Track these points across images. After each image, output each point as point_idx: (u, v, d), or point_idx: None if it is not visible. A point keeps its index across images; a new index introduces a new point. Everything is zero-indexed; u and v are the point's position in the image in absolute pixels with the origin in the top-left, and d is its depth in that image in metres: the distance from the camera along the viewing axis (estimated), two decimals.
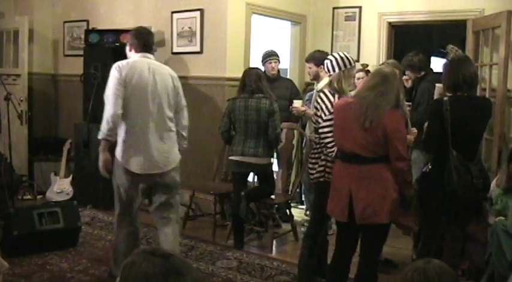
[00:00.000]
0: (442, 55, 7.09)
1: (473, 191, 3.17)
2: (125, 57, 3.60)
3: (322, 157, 3.43)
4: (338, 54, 3.52)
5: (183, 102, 3.65)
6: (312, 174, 3.52)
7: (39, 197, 5.93)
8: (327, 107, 3.37)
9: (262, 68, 5.10)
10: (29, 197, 5.91)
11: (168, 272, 1.34)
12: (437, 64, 7.78)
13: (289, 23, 6.23)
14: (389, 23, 5.78)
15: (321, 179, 3.42)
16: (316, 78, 4.45)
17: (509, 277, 3.18)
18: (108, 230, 4.83)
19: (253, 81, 4.41)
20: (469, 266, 3.81)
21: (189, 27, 5.56)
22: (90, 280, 3.78)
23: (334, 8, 6.06)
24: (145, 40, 3.57)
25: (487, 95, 4.64)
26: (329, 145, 3.32)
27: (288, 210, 4.97)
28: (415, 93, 4.50)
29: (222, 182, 5.18)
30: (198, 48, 5.51)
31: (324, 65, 3.62)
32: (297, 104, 4.32)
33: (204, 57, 5.50)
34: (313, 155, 3.55)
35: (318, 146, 3.51)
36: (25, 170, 6.24)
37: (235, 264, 4.14)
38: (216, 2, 5.38)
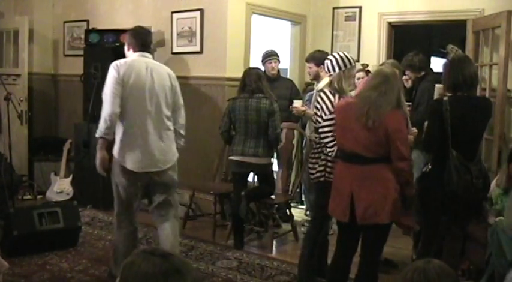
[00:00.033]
0: (442, 55, 7.10)
1: (473, 190, 3.17)
2: (124, 57, 3.60)
3: (322, 157, 3.43)
4: (338, 54, 3.53)
5: (181, 101, 3.66)
6: (312, 174, 3.52)
7: (39, 197, 5.93)
8: (327, 106, 3.38)
9: (262, 68, 5.10)
10: (29, 197, 5.91)
11: (168, 271, 1.34)
12: (437, 64, 7.79)
13: (289, 23, 6.23)
14: (389, 23, 5.78)
15: (321, 179, 3.43)
16: (316, 78, 4.45)
17: (507, 275, 3.17)
18: (108, 230, 4.83)
19: (254, 81, 4.41)
20: (469, 266, 3.81)
21: (189, 27, 5.56)
22: (90, 280, 3.78)
23: (334, 8, 6.06)
24: (143, 39, 3.58)
25: (487, 95, 4.64)
26: (329, 145, 3.32)
27: (288, 210, 4.97)
28: (415, 93, 4.50)
29: (222, 182, 5.18)
30: (198, 48, 5.51)
31: (324, 65, 3.62)
32: (297, 104, 4.32)
33: (204, 57, 5.50)
34: (313, 155, 3.56)
35: (318, 145, 3.51)
36: (25, 170, 6.25)
37: (235, 264, 4.14)
38: (216, 2, 5.38)
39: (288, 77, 6.05)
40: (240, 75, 4.66)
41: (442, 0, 5.36)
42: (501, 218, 3.56)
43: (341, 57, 3.47)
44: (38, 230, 4.17)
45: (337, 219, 3.26)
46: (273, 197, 4.63)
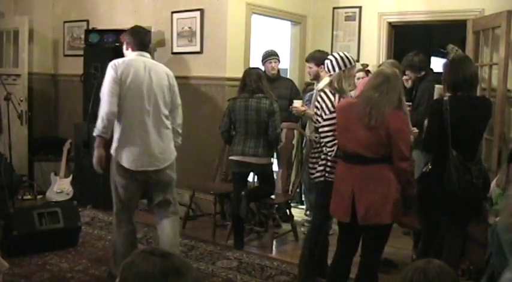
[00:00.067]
0: (442, 55, 7.10)
1: (473, 190, 3.17)
2: (124, 56, 3.61)
3: (322, 156, 3.43)
4: (338, 54, 3.53)
5: (178, 100, 3.68)
6: (313, 174, 3.52)
7: (39, 197, 5.93)
8: (327, 106, 3.38)
9: (262, 68, 5.10)
10: (29, 197, 5.91)
11: (168, 271, 1.34)
12: (437, 64, 7.79)
13: (289, 23, 6.23)
14: (389, 23, 5.78)
15: (321, 179, 3.43)
16: (317, 78, 4.46)
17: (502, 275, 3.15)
18: (108, 230, 4.83)
19: (254, 81, 4.41)
20: (469, 266, 3.81)
21: (189, 27, 5.56)
22: (90, 280, 3.78)
23: (334, 8, 6.05)
24: (141, 39, 3.61)
25: (487, 95, 4.64)
26: (328, 144, 3.33)
27: (288, 210, 4.97)
28: (415, 93, 4.50)
29: (222, 182, 5.18)
30: (198, 48, 5.51)
31: (324, 65, 3.62)
32: (297, 103, 4.32)
33: (204, 57, 5.50)
34: (313, 155, 3.56)
35: (318, 145, 3.51)
36: (25, 170, 6.24)
37: (235, 264, 4.13)
38: (216, 2, 5.38)
39: (288, 77, 6.05)
40: (240, 75, 4.66)
41: (442, 0, 5.36)
42: None
43: (341, 57, 3.47)
44: (38, 230, 4.17)
45: (338, 220, 3.26)
46: (273, 197, 4.63)
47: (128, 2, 6.16)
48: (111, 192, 3.61)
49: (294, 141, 5.13)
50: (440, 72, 3.57)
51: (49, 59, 6.95)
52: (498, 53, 4.64)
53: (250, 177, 4.74)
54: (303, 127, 5.03)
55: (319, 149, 3.48)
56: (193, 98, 5.43)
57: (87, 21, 6.52)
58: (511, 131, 4.90)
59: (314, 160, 3.52)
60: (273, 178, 4.69)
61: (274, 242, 4.68)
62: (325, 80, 3.66)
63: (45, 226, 4.21)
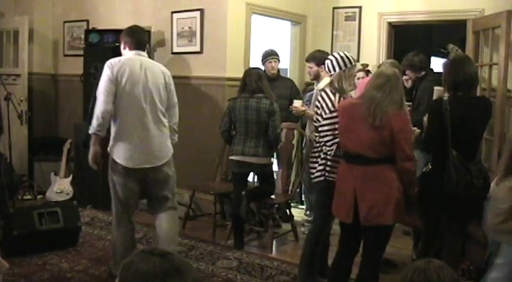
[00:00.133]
0: (442, 55, 7.09)
1: (473, 190, 3.17)
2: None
3: (322, 156, 3.43)
4: (338, 53, 3.53)
5: (175, 99, 3.70)
6: (313, 173, 3.52)
7: (39, 197, 5.93)
8: (327, 105, 3.38)
9: (262, 68, 5.10)
10: (29, 197, 5.91)
11: (167, 271, 1.34)
12: (437, 64, 7.78)
13: (289, 23, 6.23)
14: (389, 23, 5.78)
15: (322, 178, 3.43)
16: (317, 78, 4.46)
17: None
18: (108, 230, 4.82)
19: (254, 81, 4.41)
20: (469, 266, 3.80)
21: (189, 27, 5.56)
22: (90, 280, 3.78)
23: (334, 8, 6.05)
24: (138, 38, 3.63)
25: (487, 95, 4.64)
26: (328, 144, 3.33)
27: (288, 210, 4.97)
28: (415, 93, 4.50)
29: (222, 182, 5.18)
30: (198, 48, 5.51)
31: (324, 65, 3.62)
32: (297, 103, 4.32)
33: (204, 57, 5.50)
34: (313, 154, 3.56)
35: (318, 145, 3.51)
36: (25, 170, 6.25)
37: (235, 264, 4.13)
38: (216, 2, 5.38)
39: (288, 76, 6.04)
40: (240, 75, 4.67)
41: (442, 0, 5.36)
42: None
43: (341, 57, 3.47)
44: (38, 230, 4.17)
45: (339, 220, 3.26)
46: (273, 197, 4.63)
47: (128, 2, 6.16)
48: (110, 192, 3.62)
49: (294, 141, 5.13)
50: (440, 72, 3.57)
51: (49, 59, 6.95)
52: (498, 53, 4.63)
53: (250, 177, 4.74)
54: (303, 127, 5.03)
55: (319, 149, 3.48)
56: (194, 98, 5.43)
57: (87, 21, 6.52)
58: (511, 131, 4.89)
59: (314, 160, 3.52)
60: (273, 178, 4.68)
61: (274, 242, 4.68)
62: (325, 80, 3.67)
63: (45, 226, 4.20)
